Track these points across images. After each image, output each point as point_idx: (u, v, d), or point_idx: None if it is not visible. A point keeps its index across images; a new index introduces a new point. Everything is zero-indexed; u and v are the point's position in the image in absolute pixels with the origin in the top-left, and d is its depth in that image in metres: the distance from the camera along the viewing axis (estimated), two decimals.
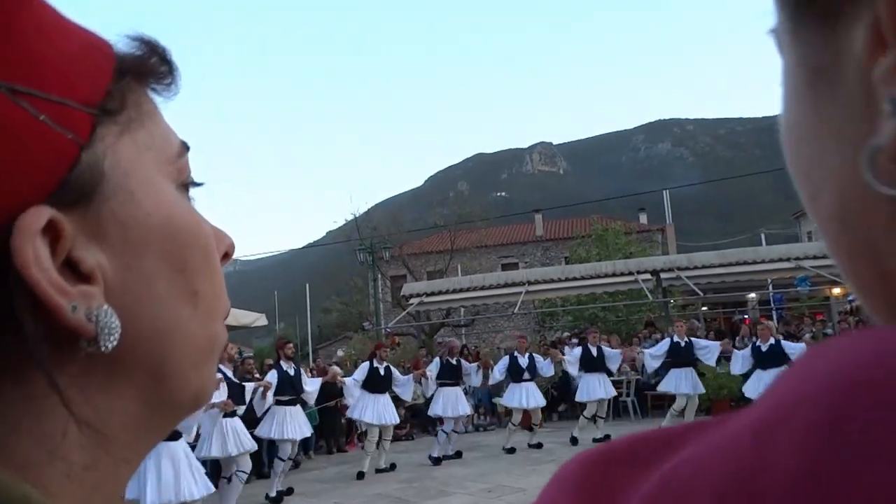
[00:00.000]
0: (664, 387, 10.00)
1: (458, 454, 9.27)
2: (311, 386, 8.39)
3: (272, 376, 7.78)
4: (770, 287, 17.54)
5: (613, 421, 12.12)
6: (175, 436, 5.51)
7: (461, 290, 16.85)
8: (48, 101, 0.32)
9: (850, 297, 17.22)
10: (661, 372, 10.54)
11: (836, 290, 16.71)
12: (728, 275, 15.34)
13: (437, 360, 10.00)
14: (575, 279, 16.13)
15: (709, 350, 9.92)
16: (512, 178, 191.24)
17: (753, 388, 9.08)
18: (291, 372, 8.01)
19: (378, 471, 8.71)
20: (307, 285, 32.32)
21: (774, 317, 17.60)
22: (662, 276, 15.37)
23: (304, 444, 9.99)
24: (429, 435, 12.39)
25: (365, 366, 9.07)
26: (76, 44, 0.35)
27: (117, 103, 0.35)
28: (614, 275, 15.92)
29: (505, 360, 10.28)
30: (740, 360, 9.49)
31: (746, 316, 19.06)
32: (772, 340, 9.13)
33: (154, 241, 0.36)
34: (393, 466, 8.93)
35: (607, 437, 9.57)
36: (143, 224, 0.35)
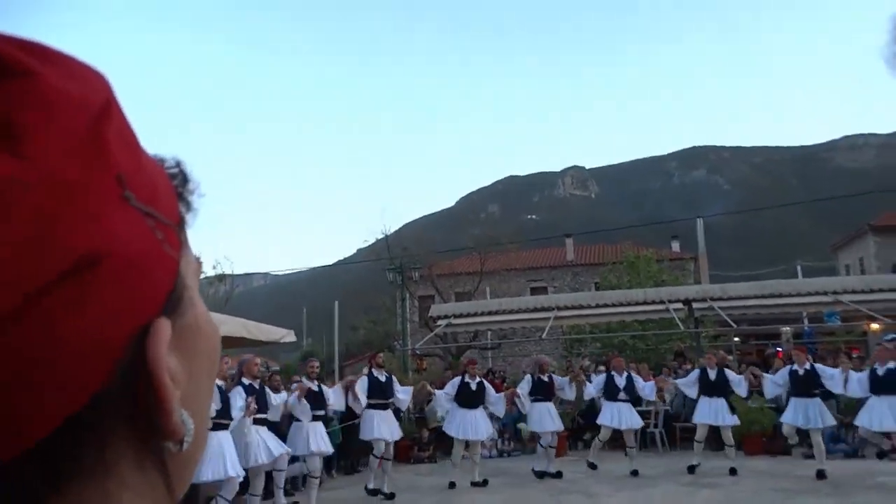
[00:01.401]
0: (696, 418, 9.78)
1: (485, 482, 9.17)
2: (404, 394, 9.05)
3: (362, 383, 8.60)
4: (805, 321, 17.14)
5: (641, 452, 11.91)
6: None
7: (489, 313, 16.79)
8: (162, 222, 0.35)
9: (888, 336, 16.76)
10: (691, 403, 10.36)
11: (875, 326, 16.24)
12: (762, 307, 15.04)
13: (528, 377, 10.17)
14: (605, 306, 15.95)
15: (738, 382, 9.73)
16: (543, 201, 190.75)
17: (791, 416, 8.94)
18: (383, 379, 8.78)
19: (473, 484, 9.04)
20: (336, 302, 32.58)
21: (812, 350, 17.17)
22: (694, 305, 15.13)
23: (327, 463, 10.03)
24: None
25: (456, 381, 9.49)
26: (155, 162, 0.38)
27: (183, 220, 0.39)
28: (645, 303, 15.72)
29: (601, 378, 10.29)
30: (770, 385, 9.38)
31: (780, 349, 18.62)
32: (807, 365, 9.02)
33: (202, 349, 0.39)
34: (486, 482, 9.09)
35: (635, 472, 9.39)
36: (200, 333, 0.39)
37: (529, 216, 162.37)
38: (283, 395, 8.27)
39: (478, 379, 9.51)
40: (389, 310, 32.29)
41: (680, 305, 15.15)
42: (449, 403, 9.32)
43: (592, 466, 9.54)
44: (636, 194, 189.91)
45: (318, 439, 8.05)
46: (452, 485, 8.91)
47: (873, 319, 14.39)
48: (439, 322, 17.10)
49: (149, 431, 0.34)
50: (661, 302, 15.42)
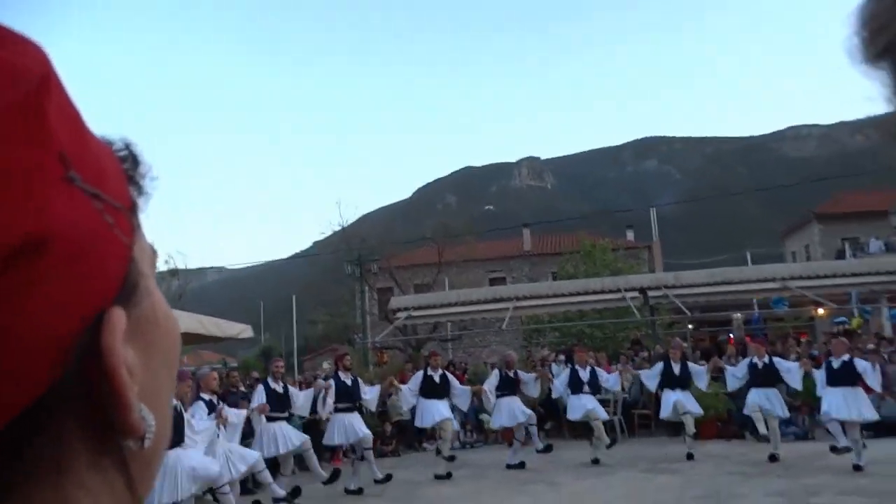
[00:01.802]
0: (664, 413, 9.99)
1: (449, 475, 9.14)
2: (370, 394, 9.04)
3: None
4: (756, 307, 17.65)
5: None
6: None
7: (449, 305, 16.81)
8: (112, 206, 0.33)
9: (837, 319, 17.39)
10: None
11: (821, 311, 16.83)
12: (714, 294, 15.42)
13: (495, 372, 10.24)
14: (563, 295, 16.14)
15: (700, 375, 9.97)
16: (500, 192, 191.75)
17: (753, 402, 9.23)
18: (349, 382, 8.71)
19: (437, 477, 9.07)
20: (293, 296, 32.12)
21: (762, 336, 17.68)
22: (650, 293, 15.42)
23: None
24: (415, 451, 12.28)
25: (419, 374, 9.50)
26: (101, 143, 0.36)
27: (135, 205, 0.37)
28: (602, 291, 15.97)
29: (565, 374, 10.36)
30: (731, 378, 9.65)
31: (731, 335, 19.14)
32: (766, 358, 9.36)
33: (160, 341, 0.37)
34: (449, 475, 9.10)
35: (596, 460, 9.53)
36: (158, 324, 0.37)
37: (486, 207, 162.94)
38: (243, 413, 8.03)
39: (440, 371, 9.51)
40: (348, 303, 32.03)
41: (636, 294, 15.43)
42: (414, 398, 9.31)
43: (596, 461, 9.54)
44: (591, 184, 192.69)
45: (286, 439, 7.96)
46: (440, 476, 8.97)
47: (819, 304, 14.91)
48: (399, 315, 17.04)
49: (106, 429, 0.32)
50: (618, 290, 15.68)
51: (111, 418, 0.32)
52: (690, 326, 19.10)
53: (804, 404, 11.00)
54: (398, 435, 12.46)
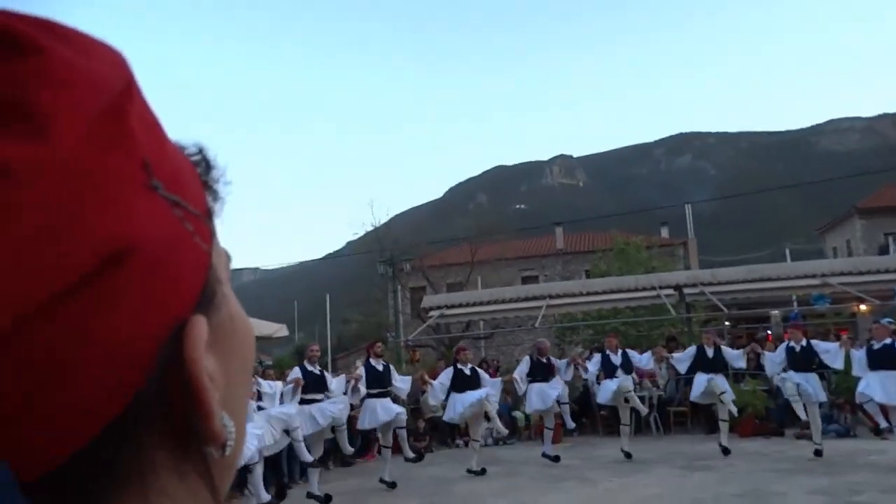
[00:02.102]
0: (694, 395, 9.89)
1: (483, 471, 9.16)
2: (403, 383, 9.23)
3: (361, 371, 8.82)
4: (795, 303, 17.28)
5: (635, 437, 12.01)
6: None
7: (481, 304, 16.82)
8: (191, 213, 0.33)
9: (884, 319, 16.92)
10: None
11: (863, 307, 16.40)
12: (752, 291, 15.15)
13: (526, 358, 10.30)
14: (596, 293, 16.03)
15: (737, 357, 9.81)
16: (531, 191, 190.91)
17: (791, 383, 9.04)
18: (380, 368, 8.86)
19: (469, 471, 9.13)
20: (327, 296, 32.48)
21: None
22: (685, 291, 15.22)
23: (324, 457, 10.04)
24: (447, 448, 12.34)
25: (450, 370, 9.55)
26: (177, 148, 0.36)
27: (210, 210, 0.36)
28: (636, 289, 15.81)
29: (597, 357, 10.35)
30: (770, 363, 9.59)
31: (769, 332, 18.77)
32: (803, 342, 9.27)
33: (237, 348, 0.37)
34: (483, 471, 9.15)
35: (629, 454, 9.46)
36: (235, 331, 0.37)
37: (518, 206, 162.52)
38: (279, 384, 8.41)
39: (470, 365, 9.55)
40: (381, 302, 32.25)
41: (671, 291, 15.24)
42: (443, 394, 9.33)
43: (628, 456, 9.50)
44: (623, 182, 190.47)
45: (322, 414, 8.17)
46: (484, 471, 9.04)
47: (861, 301, 14.53)
48: (431, 313, 17.10)
49: (188, 437, 0.32)
50: (653, 288, 15.50)
51: (193, 427, 0.32)
52: (727, 324, 18.79)
53: (846, 402, 10.76)
54: (431, 432, 12.52)
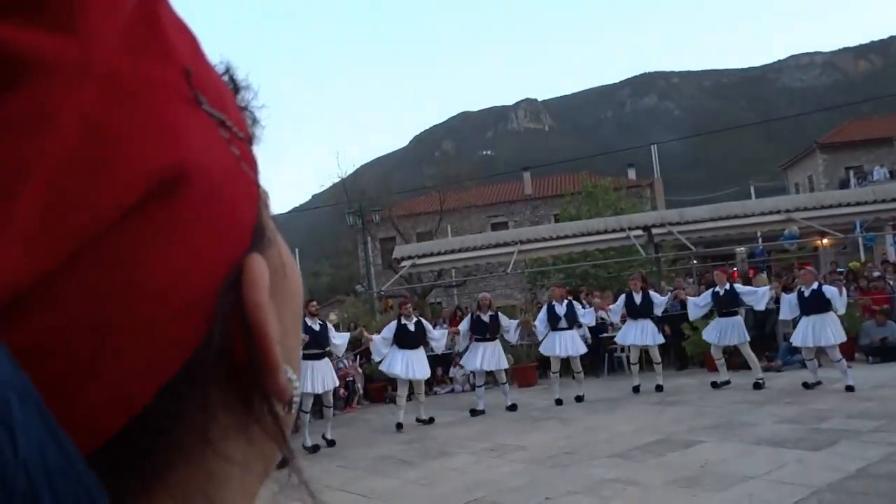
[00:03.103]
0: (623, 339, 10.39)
1: (431, 420, 9.25)
2: (340, 339, 9.00)
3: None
4: (760, 240, 17.62)
5: (608, 376, 12.27)
6: None
7: (453, 252, 16.80)
8: (236, 135, 0.29)
9: (840, 269, 17.38)
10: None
11: (825, 241, 16.81)
12: (719, 229, 15.37)
13: (468, 316, 10.15)
14: (566, 237, 16.11)
15: (661, 304, 10.20)
16: (497, 137, 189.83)
17: (715, 336, 9.65)
18: (317, 328, 8.48)
19: (419, 420, 9.14)
20: (296, 250, 32.17)
21: (766, 269, 17.71)
22: (654, 231, 15.38)
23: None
24: (426, 396, 12.45)
25: (393, 324, 9.42)
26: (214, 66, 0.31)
27: (252, 136, 0.32)
28: (605, 231, 15.92)
29: (543, 311, 10.23)
30: (693, 307, 10.06)
31: (735, 269, 19.18)
32: (727, 285, 9.63)
33: (290, 292, 0.32)
34: (432, 420, 9.17)
35: (580, 398, 9.69)
36: (285, 273, 0.32)
37: (484, 152, 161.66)
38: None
39: (414, 319, 9.38)
40: (351, 254, 32.10)
41: (640, 232, 15.38)
42: (386, 348, 9.22)
43: (559, 402, 9.58)
44: (590, 124, 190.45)
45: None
46: (399, 426, 8.83)
47: (824, 234, 14.87)
48: (403, 263, 17.06)
49: (253, 396, 0.28)
50: (622, 230, 15.63)
51: (258, 382, 0.28)
52: (695, 262, 19.12)
53: None
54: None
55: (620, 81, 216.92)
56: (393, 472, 6.67)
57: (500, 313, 10.08)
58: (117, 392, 0.23)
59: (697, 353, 11.37)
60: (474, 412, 9.52)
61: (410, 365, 9.05)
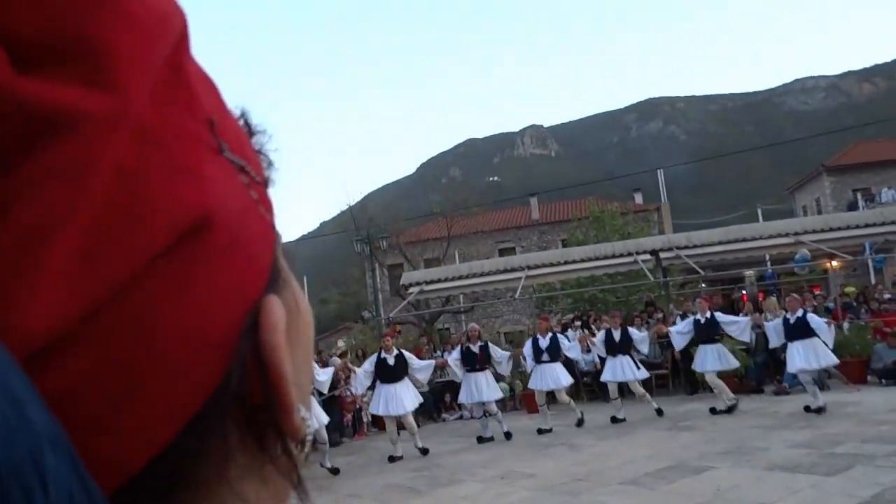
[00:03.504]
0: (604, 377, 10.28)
1: (426, 451, 8.98)
2: (324, 376, 8.80)
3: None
4: (769, 263, 17.55)
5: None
6: None
7: (460, 277, 16.81)
8: (254, 180, 0.29)
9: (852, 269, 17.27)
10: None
11: (835, 263, 16.72)
12: (727, 252, 15.33)
13: (459, 346, 10.07)
14: (574, 262, 16.11)
15: (641, 340, 10.34)
16: (504, 163, 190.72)
17: (699, 363, 9.77)
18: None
19: (418, 448, 8.93)
20: (304, 277, 32.24)
21: (775, 291, 17.61)
22: (661, 255, 15.35)
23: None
24: (435, 423, 12.39)
25: (374, 357, 9.20)
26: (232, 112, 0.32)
27: (268, 179, 0.33)
28: (613, 256, 15.92)
29: (528, 344, 10.12)
30: (676, 336, 10.11)
31: (745, 292, 19.07)
32: (708, 314, 9.76)
33: (302, 332, 0.33)
34: (426, 451, 8.95)
35: (580, 422, 9.69)
36: (299, 314, 0.33)
37: (491, 178, 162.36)
38: (330, 369, 9.03)
39: (395, 352, 9.18)
40: (359, 281, 32.12)
41: (647, 256, 15.36)
42: (368, 380, 9.11)
43: (539, 431, 9.44)
44: (596, 150, 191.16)
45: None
46: (392, 458, 8.68)
47: (833, 257, 14.80)
48: (411, 290, 17.06)
49: (268, 435, 0.28)
50: (629, 254, 15.62)
51: (273, 422, 0.28)
52: (704, 286, 19.05)
53: None
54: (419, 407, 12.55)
55: (626, 107, 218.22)
56: (401, 501, 6.61)
57: (490, 343, 10.04)
58: (141, 433, 0.24)
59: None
60: (481, 439, 9.46)
61: (391, 401, 8.82)
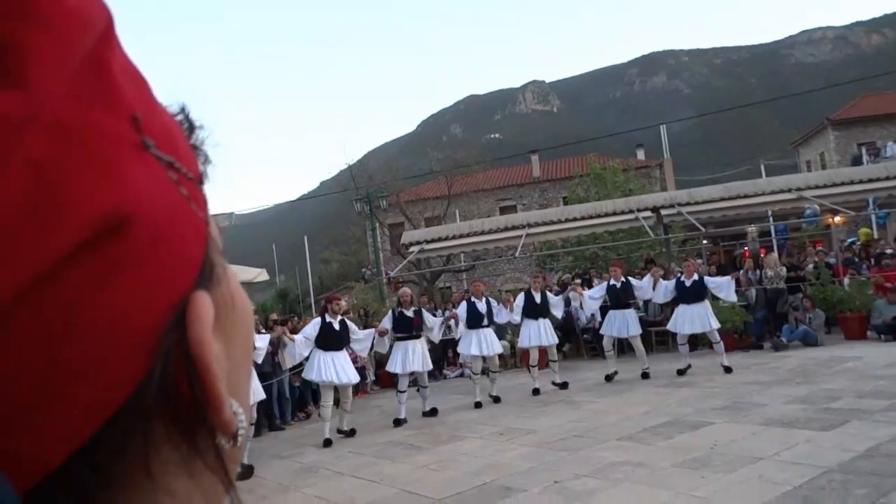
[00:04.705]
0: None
1: (353, 431, 8.25)
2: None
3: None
4: (770, 219, 17.46)
5: (619, 358, 12.24)
6: None
7: (461, 236, 16.77)
8: (185, 176, 0.29)
9: (850, 240, 17.19)
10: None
11: (837, 219, 16.62)
12: (729, 208, 15.23)
13: (390, 312, 9.18)
14: (575, 220, 16.04)
15: (556, 304, 10.18)
16: (505, 119, 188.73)
17: (607, 328, 9.92)
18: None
19: (340, 431, 8.21)
20: (305, 237, 32.21)
21: (775, 247, 17.57)
22: (663, 212, 15.26)
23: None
24: (437, 380, 12.51)
25: (317, 321, 8.23)
26: (165, 108, 0.32)
27: (203, 175, 0.33)
28: (614, 213, 15.83)
29: (462, 307, 9.57)
30: (588, 300, 10.18)
31: (746, 248, 19.04)
32: (622, 279, 9.89)
33: (239, 326, 0.33)
34: (353, 432, 8.19)
35: (564, 384, 9.72)
36: (234, 308, 0.33)
37: (492, 135, 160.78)
38: (267, 337, 8.40)
39: (340, 318, 8.26)
40: (360, 240, 32.11)
41: (649, 213, 15.27)
42: (307, 350, 8.12)
43: (478, 405, 8.99)
44: (598, 105, 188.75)
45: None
46: (328, 442, 7.80)
47: (836, 212, 14.70)
48: (412, 249, 17.05)
49: (196, 430, 0.29)
50: (630, 211, 15.53)
51: (201, 417, 0.28)
52: (705, 242, 19.00)
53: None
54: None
55: (629, 61, 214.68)
56: (403, 457, 6.71)
57: (423, 309, 9.37)
58: (60, 428, 0.24)
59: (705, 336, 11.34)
60: (398, 421, 8.54)
61: (331, 368, 7.92)
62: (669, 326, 10.06)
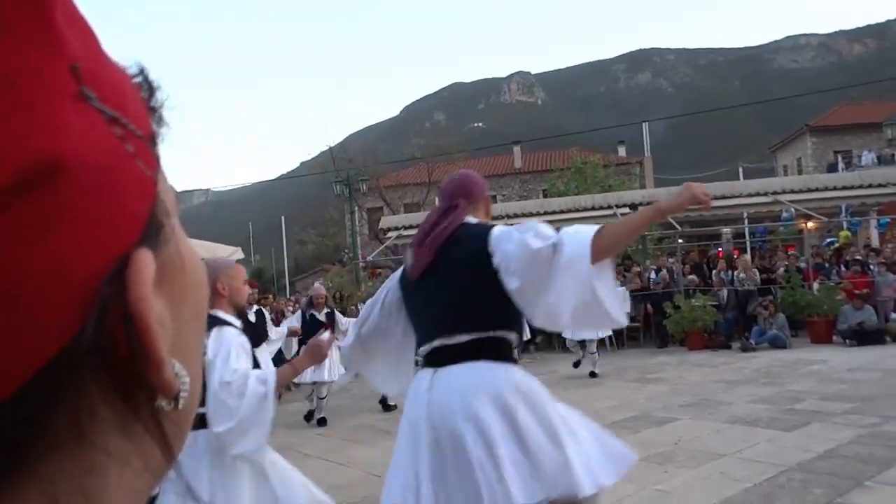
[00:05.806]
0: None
1: (324, 420, 7.89)
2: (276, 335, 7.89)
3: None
4: (746, 221, 17.71)
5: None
6: None
7: None
8: (132, 133, 0.29)
9: (828, 240, 17.50)
10: None
11: (810, 224, 16.91)
12: (704, 209, 15.40)
13: (297, 314, 8.49)
14: (554, 213, 16.10)
15: None
16: (489, 109, 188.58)
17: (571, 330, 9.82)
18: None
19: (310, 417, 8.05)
20: (282, 218, 31.97)
21: (749, 249, 17.83)
22: (640, 209, 15.39)
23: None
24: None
25: (299, 314, 8.23)
26: (118, 65, 0.31)
27: (156, 136, 0.32)
28: (593, 208, 15.93)
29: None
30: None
31: (720, 248, 19.29)
32: None
33: (189, 289, 0.33)
34: (324, 420, 7.80)
35: (582, 357, 9.77)
36: (184, 270, 0.33)
37: (476, 124, 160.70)
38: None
39: (255, 308, 7.68)
40: (337, 223, 31.94)
41: (627, 210, 15.38)
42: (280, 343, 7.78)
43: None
44: (582, 99, 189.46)
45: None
46: (311, 415, 7.84)
47: (809, 218, 14.94)
48: (389, 234, 17.00)
49: (135, 390, 0.28)
50: (609, 207, 15.64)
51: (140, 377, 0.28)
52: (681, 241, 19.22)
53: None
54: None
55: (615, 57, 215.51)
56: (372, 441, 6.70)
57: (336, 311, 8.46)
58: None
59: (678, 332, 11.50)
60: (316, 420, 7.92)
61: (323, 364, 7.34)
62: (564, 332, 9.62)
